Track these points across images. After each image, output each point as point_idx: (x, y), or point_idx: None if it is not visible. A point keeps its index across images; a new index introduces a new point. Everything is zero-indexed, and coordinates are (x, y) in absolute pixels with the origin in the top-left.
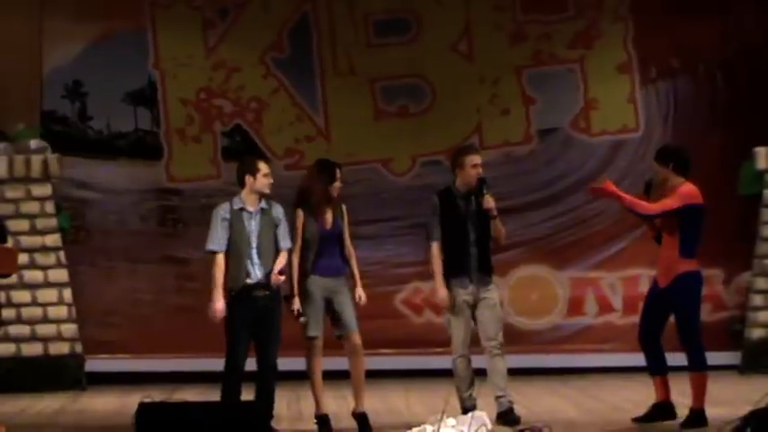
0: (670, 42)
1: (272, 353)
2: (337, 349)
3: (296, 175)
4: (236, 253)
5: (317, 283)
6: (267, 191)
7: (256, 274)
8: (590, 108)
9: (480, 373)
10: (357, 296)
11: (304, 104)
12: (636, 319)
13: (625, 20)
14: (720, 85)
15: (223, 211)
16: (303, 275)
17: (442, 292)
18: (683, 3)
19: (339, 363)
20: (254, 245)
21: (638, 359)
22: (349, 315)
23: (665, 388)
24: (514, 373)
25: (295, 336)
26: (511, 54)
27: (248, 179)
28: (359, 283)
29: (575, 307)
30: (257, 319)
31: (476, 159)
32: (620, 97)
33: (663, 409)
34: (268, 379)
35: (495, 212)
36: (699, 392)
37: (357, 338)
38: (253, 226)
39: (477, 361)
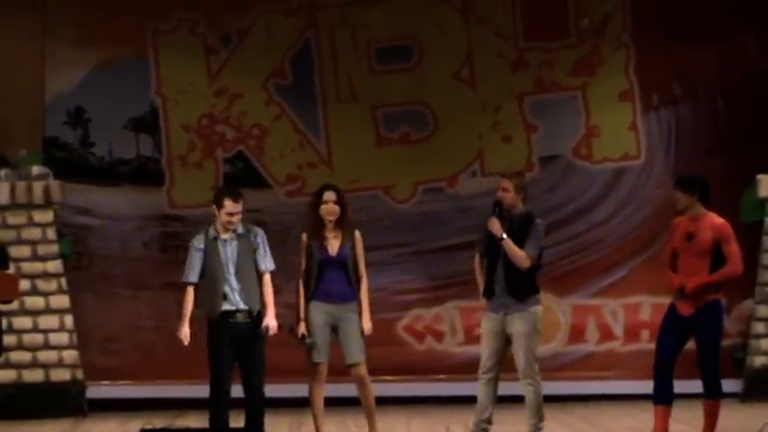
0: (671, 69)
1: (256, 380)
2: (338, 376)
3: (298, 202)
4: (211, 281)
5: (319, 309)
6: (229, 227)
7: (236, 299)
8: (592, 135)
9: (504, 400)
10: (362, 326)
11: (306, 131)
12: (637, 346)
13: (627, 47)
14: (722, 112)
15: (197, 242)
16: (306, 300)
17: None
18: (684, 30)
19: (341, 389)
20: (231, 271)
21: (640, 386)
22: (353, 345)
23: (666, 420)
24: (516, 400)
25: (296, 362)
26: (513, 81)
27: (215, 210)
28: (366, 312)
29: (576, 334)
30: (239, 345)
31: (501, 182)
32: (621, 124)
33: None
34: (256, 406)
35: (498, 235)
36: (713, 420)
37: (360, 370)
38: (229, 253)
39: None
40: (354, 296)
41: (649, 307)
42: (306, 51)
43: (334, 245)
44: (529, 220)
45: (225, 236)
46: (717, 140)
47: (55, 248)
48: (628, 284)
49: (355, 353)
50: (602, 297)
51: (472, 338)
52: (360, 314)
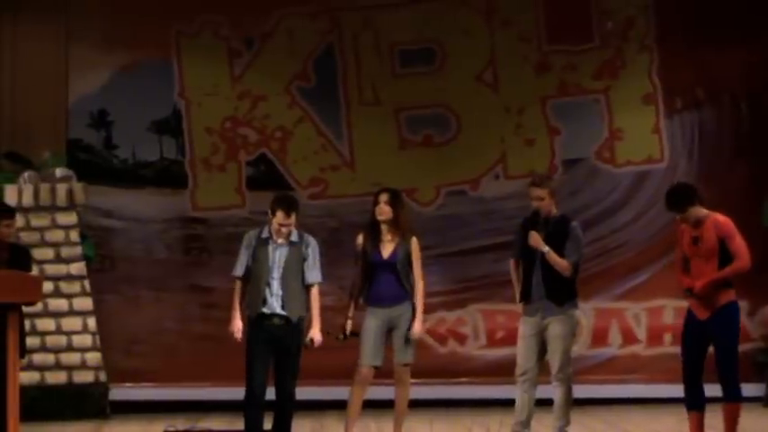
0: (695, 73)
1: (288, 383)
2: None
3: (321, 205)
4: (254, 281)
5: (373, 314)
6: (277, 237)
7: (274, 304)
8: (615, 138)
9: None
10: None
11: (329, 134)
12: (660, 349)
13: (650, 50)
14: (745, 116)
15: (248, 238)
16: (356, 301)
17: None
18: (707, 33)
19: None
20: (275, 275)
21: (663, 390)
22: (400, 346)
23: (699, 425)
24: (538, 403)
25: (320, 365)
26: (536, 84)
27: (269, 214)
28: (416, 316)
29: (599, 338)
30: (274, 348)
31: (531, 191)
32: (645, 128)
33: None
34: (284, 409)
35: (541, 249)
36: (734, 424)
37: (402, 371)
38: (277, 257)
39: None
40: (407, 298)
41: (672, 310)
42: (329, 54)
43: (387, 248)
44: (564, 225)
45: (277, 240)
46: (740, 144)
47: (78, 251)
48: (651, 288)
49: (401, 354)
50: (624, 300)
51: (494, 341)
52: (414, 316)
